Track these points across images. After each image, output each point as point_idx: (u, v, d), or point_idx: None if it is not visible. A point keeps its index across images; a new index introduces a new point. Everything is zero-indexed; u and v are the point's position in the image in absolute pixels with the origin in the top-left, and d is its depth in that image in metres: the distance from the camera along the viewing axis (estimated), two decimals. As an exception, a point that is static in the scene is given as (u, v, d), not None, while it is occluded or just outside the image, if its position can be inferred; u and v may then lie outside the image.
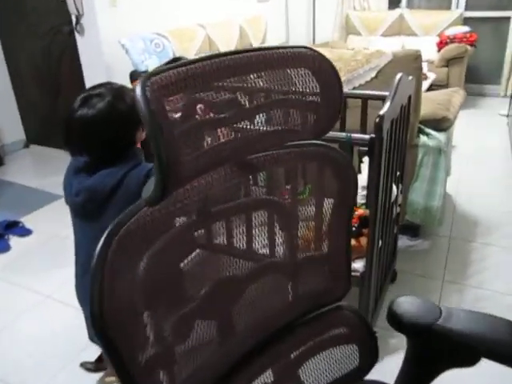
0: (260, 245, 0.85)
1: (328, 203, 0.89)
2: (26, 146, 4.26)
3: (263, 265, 0.87)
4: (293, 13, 5.60)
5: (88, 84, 3.54)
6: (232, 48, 4.39)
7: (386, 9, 5.42)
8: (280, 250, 0.88)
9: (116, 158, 1.31)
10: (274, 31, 5.20)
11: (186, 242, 0.74)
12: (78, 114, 1.26)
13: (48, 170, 3.64)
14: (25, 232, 2.72)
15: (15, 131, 4.20)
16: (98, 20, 3.21)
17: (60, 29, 3.49)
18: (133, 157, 1.33)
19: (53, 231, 2.72)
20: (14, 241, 2.66)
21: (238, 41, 4.52)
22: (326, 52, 2.19)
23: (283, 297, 0.92)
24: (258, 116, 0.70)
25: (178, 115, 0.60)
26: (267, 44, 4.98)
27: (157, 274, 0.67)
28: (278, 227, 0.87)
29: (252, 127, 0.70)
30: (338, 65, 1.98)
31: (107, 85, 1.33)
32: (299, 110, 0.75)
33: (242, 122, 0.68)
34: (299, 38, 5.55)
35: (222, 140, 0.66)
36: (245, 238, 0.83)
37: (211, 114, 0.65)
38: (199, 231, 0.76)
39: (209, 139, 0.65)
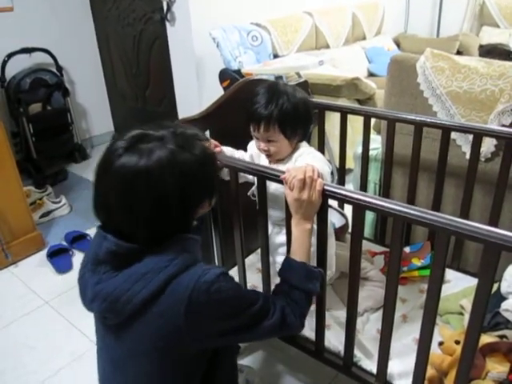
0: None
1: None
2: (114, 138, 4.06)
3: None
4: (415, -2, 4.82)
5: (177, 80, 3.18)
6: (342, 40, 3.81)
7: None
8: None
9: (159, 244, 0.84)
10: (391, 20, 4.50)
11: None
12: (121, 162, 0.81)
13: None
14: (91, 248, 2.42)
15: (105, 123, 4.01)
16: (190, 8, 2.80)
17: (151, 16, 3.15)
18: (184, 248, 0.86)
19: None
20: (78, 257, 2.38)
21: (350, 31, 3.91)
22: (480, 64, 1.41)
23: None
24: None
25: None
26: (383, 35, 4.30)
27: None
28: None
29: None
30: (499, 85, 1.37)
31: (174, 127, 0.88)
32: None
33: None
34: (420, 28, 4.76)
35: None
36: None
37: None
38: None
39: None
